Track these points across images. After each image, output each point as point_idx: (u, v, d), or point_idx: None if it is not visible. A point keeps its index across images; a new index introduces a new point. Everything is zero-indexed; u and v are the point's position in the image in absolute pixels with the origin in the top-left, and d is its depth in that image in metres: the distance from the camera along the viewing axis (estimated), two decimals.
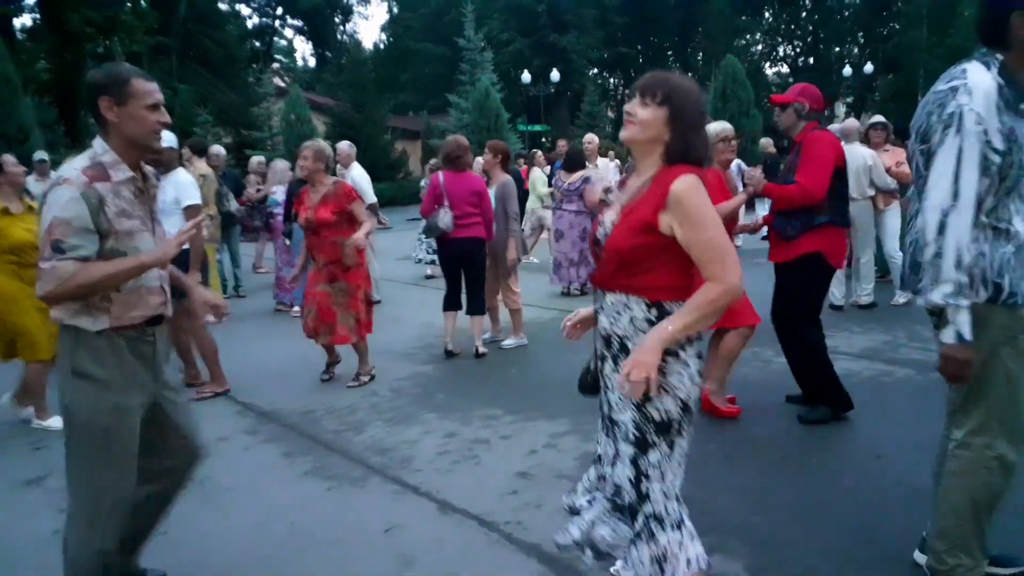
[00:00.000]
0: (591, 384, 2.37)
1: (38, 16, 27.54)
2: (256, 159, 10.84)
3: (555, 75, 29.74)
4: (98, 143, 2.34)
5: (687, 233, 1.99)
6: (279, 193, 8.52)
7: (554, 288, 8.63)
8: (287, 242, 7.95)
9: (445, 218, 5.75)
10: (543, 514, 3.27)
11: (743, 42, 45.87)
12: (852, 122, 7.53)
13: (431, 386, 5.32)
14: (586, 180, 8.08)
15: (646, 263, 2.06)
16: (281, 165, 8.94)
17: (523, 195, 10.43)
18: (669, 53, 47.61)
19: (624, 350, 2.13)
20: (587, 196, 7.98)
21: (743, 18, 44.90)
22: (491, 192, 6.11)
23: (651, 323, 2.07)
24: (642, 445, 2.11)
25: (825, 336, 4.26)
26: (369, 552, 3.02)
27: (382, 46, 48.84)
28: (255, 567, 2.96)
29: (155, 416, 2.49)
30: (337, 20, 50.40)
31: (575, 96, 38.09)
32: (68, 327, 2.32)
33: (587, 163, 8.48)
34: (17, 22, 27.84)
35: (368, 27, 67.12)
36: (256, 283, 10.11)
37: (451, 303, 6.06)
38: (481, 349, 6.04)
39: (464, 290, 6.05)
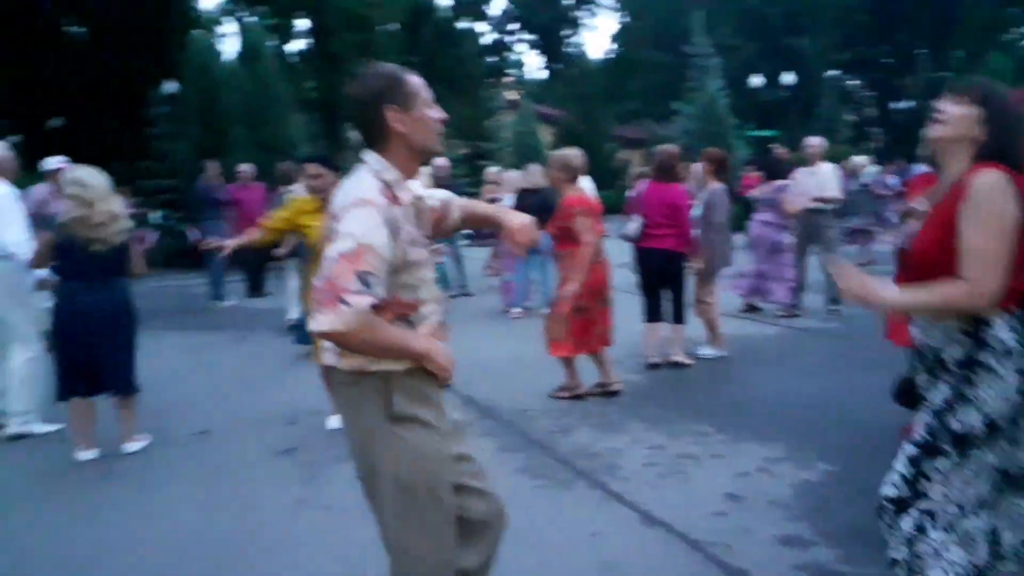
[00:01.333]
0: (909, 393, 2.33)
1: (311, 41, 31.21)
2: (492, 170, 11.58)
3: (788, 78, 28.22)
4: (373, 159, 1.99)
5: (966, 230, 1.92)
6: (507, 201, 8.97)
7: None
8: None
9: (631, 227, 5.83)
10: (753, 541, 3.14)
11: (1012, 36, 40.40)
12: None
13: (639, 396, 5.31)
14: (782, 189, 7.67)
15: (954, 265, 1.97)
16: (513, 175, 9.47)
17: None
18: (921, 52, 43.23)
19: (940, 364, 2.08)
20: (784, 206, 7.55)
21: (1010, 9, 39.54)
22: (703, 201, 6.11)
23: (967, 334, 2.00)
24: (930, 450, 2.05)
25: None
26: (571, 554, 3.09)
27: (610, 56, 49.29)
28: None
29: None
30: (567, 33, 51.66)
31: (809, 100, 35.86)
32: (372, 374, 1.96)
33: (808, 166, 7.94)
34: (292, 47, 31.76)
35: (597, 38, 68.14)
36: (485, 284, 10.63)
37: (650, 314, 6.01)
38: (678, 359, 5.93)
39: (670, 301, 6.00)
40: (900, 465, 2.12)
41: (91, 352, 4.31)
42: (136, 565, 3.17)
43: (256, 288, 10.71)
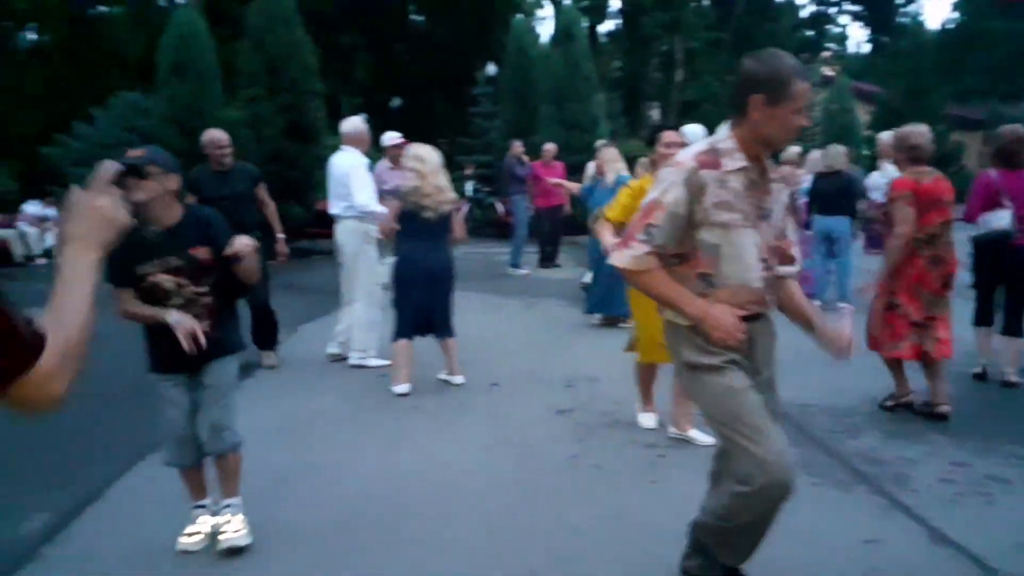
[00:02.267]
0: None
1: (620, 22, 31.76)
2: (793, 149, 10.87)
3: None
4: (724, 128, 2.28)
5: None
6: (806, 182, 8.46)
7: None
8: (807, 232, 7.87)
9: (1004, 218, 4.97)
10: None
11: None
12: None
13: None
14: None
15: None
16: (814, 156, 8.86)
17: None
18: None
19: None
20: None
21: None
22: None
23: None
24: None
25: None
26: (838, 558, 2.93)
27: (949, 26, 43.22)
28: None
29: None
30: (900, 2, 46.28)
31: None
32: (674, 326, 2.37)
33: None
34: (602, 28, 32.60)
35: (935, 7, 60.03)
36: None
37: (981, 317, 5.26)
38: (1011, 379, 5.13)
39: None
40: None
41: (424, 302, 5.07)
42: (431, 487, 3.64)
43: (548, 260, 11.36)
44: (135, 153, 2.80)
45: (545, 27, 32.78)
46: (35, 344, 1.16)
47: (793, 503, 3.14)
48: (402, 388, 5.05)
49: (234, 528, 3.01)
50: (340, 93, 22.42)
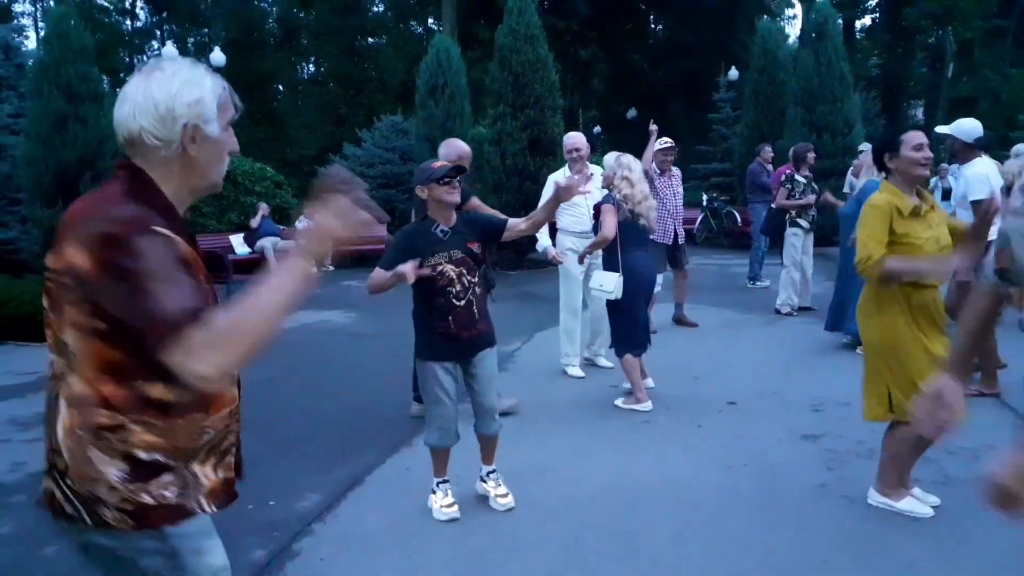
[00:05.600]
0: None
1: (877, 16, 29.19)
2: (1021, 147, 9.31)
3: None
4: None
5: None
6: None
7: None
8: None
9: None
10: None
11: None
12: None
13: None
14: None
15: None
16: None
17: None
18: None
19: None
20: None
21: None
22: None
23: None
24: None
25: None
26: None
27: None
28: None
29: None
30: None
31: None
32: None
33: None
34: (858, 23, 30.15)
35: None
36: None
37: None
38: None
39: None
40: None
41: (645, 312, 5.10)
42: (664, 504, 3.57)
43: None
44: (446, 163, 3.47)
45: (793, 27, 31.05)
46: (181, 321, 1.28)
47: None
48: (646, 406, 4.98)
49: (504, 492, 3.56)
50: (577, 106, 22.96)
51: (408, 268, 3.06)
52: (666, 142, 6.88)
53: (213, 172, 1.53)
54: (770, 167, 10.45)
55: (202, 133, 1.46)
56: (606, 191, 5.12)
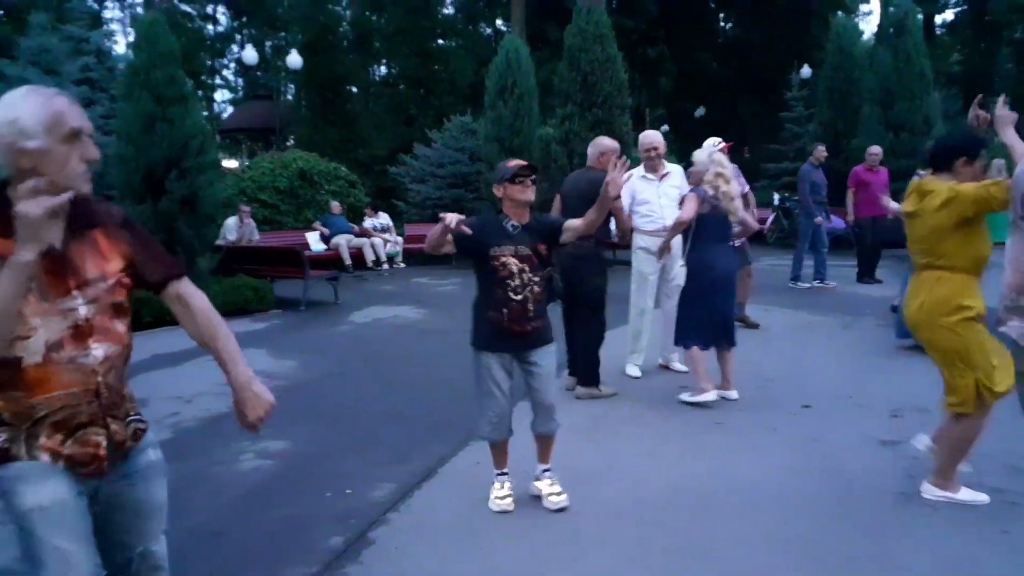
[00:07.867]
0: None
1: (960, 9, 28.03)
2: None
3: None
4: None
5: None
6: None
7: None
8: None
9: None
10: None
11: None
12: None
13: None
14: None
15: None
16: None
17: None
18: None
19: None
20: None
21: None
22: None
23: None
24: None
25: None
26: None
27: None
28: None
29: None
30: None
31: None
32: None
33: None
34: (938, 18, 29.02)
35: None
36: None
37: None
38: None
39: None
40: None
41: (721, 308, 5.04)
42: (732, 506, 3.55)
43: (867, 274, 10.38)
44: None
45: (868, 23, 30.10)
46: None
47: None
48: (710, 396, 4.96)
49: (557, 491, 3.53)
50: (644, 105, 22.76)
51: (451, 216, 3.10)
52: (716, 141, 6.78)
53: (61, 177, 1.70)
54: (822, 165, 10.05)
55: (27, 148, 1.66)
56: (689, 188, 5.12)
